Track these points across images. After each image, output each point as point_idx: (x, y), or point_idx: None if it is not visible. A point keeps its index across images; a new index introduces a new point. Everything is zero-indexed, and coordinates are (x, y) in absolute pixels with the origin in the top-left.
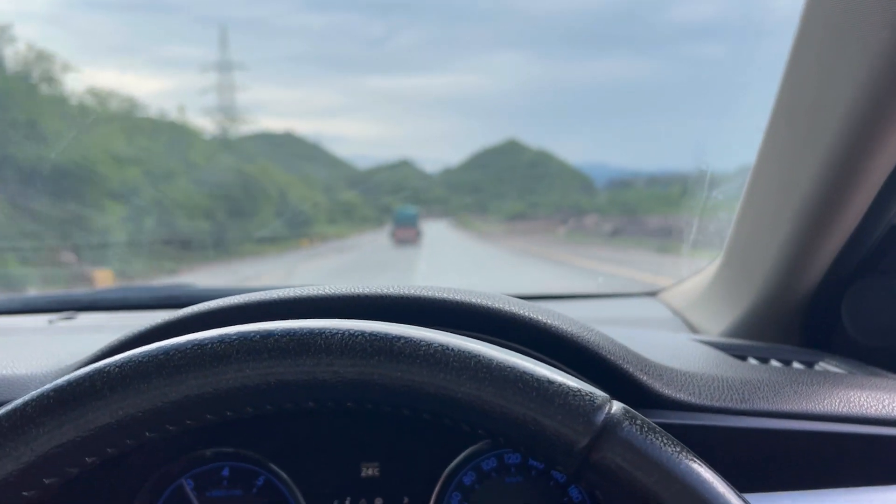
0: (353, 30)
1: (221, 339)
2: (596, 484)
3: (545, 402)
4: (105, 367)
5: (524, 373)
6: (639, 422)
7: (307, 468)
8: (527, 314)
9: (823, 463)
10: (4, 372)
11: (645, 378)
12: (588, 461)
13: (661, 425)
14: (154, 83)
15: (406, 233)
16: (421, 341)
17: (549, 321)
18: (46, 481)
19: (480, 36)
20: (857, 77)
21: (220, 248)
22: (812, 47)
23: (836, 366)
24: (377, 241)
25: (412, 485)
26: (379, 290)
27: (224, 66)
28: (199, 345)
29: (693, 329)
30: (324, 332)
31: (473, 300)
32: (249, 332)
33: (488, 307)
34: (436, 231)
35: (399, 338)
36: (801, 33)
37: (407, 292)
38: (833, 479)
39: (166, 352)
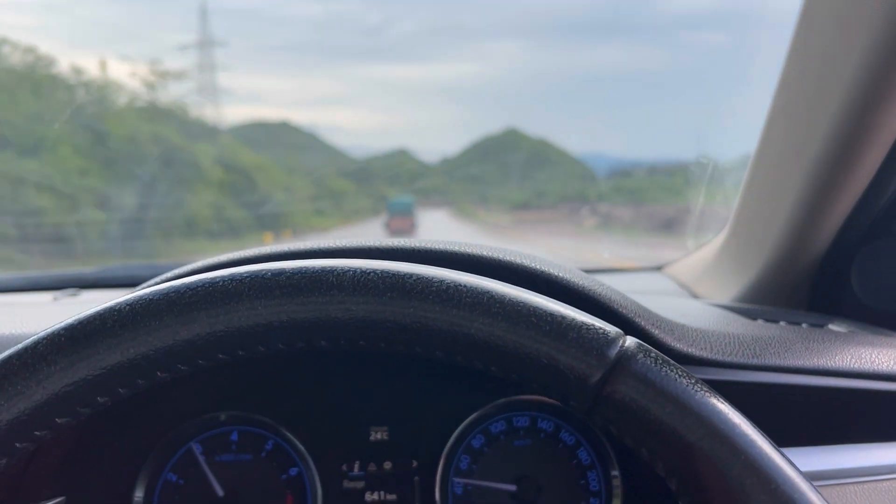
0: (350, 18)
1: (233, 278)
2: (610, 418)
3: (558, 337)
4: (116, 306)
5: (537, 308)
6: (653, 355)
7: (316, 432)
8: (539, 267)
9: (834, 418)
10: (12, 331)
11: (657, 332)
12: (602, 395)
13: None
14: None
15: (401, 223)
16: (433, 278)
17: (561, 273)
18: (59, 420)
19: (479, 24)
20: (869, 30)
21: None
22: (822, 4)
23: (845, 327)
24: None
25: (421, 448)
26: (386, 243)
27: (205, 45)
28: (211, 283)
29: (700, 298)
30: (335, 270)
31: (488, 253)
32: (261, 271)
33: (499, 259)
34: (434, 222)
35: (410, 275)
36: None
37: (425, 245)
38: (843, 435)
39: (177, 290)
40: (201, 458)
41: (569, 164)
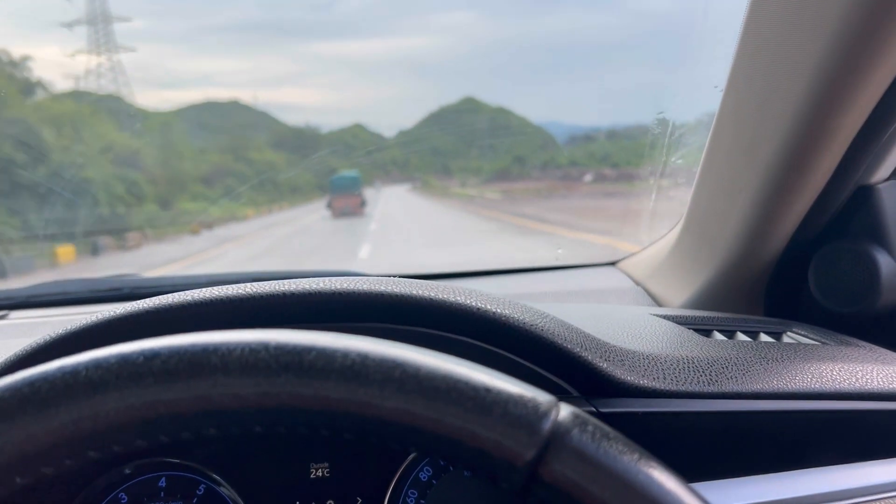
0: None
1: (98, 364)
2: (547, 501)
3: (483, 413)
4: None
5: (458, 380)
6: (590, 427)
7: (251, 473)
8: (475, 305)
9: (797, 442)
10: None
11: (605, 365)
12: (536, 476)
13: (625, 414)
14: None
15: (346, 202)
16: (336, 351)
17: (499, 310)
18: None
19: None
20: (823, 26)
21: None
22: (771, 2)
23: (805, 335)
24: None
25: (365, 484)
26: (305, 288)
27: (98, 21)
28: (72, 371)
29: (655, 300)
30: (219, 349)
31: (416, 292)
32: (130, 354)
33: (432, 299)
34: (396, 201)
35: (310, 349)
36: None
37: (343, 287)
38: (807, 459)
39: (31, 383)
40: None
41: (530, 130)
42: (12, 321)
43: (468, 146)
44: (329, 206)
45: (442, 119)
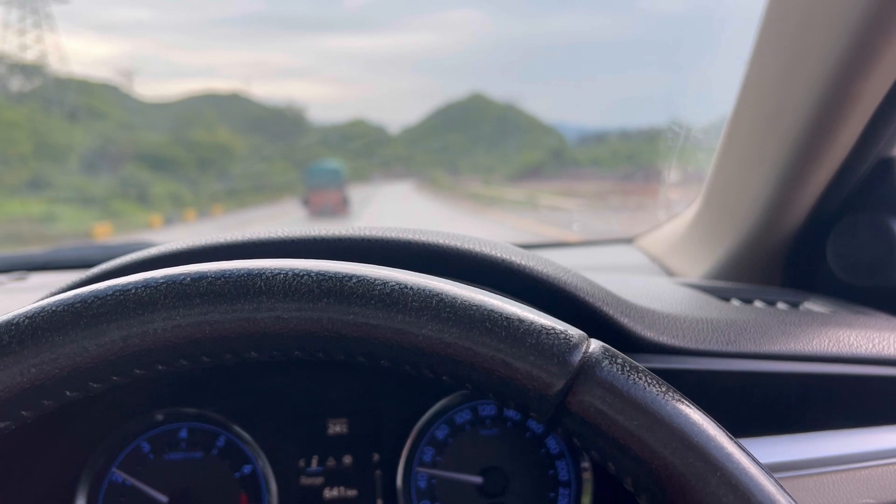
0: None
1: (146, 284)
2: (574, 431)
3: (515, 343)
4: (14, 319)
5: (492, 311)
6: (619, 360)
7: (270, 427)
8: (499, 255)
9: (812, 405)
10: None
11: (626, 321)
12: (565, 406)
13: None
14: (103, 48)
15: (325, 198)
16: (376, 280)
17: (523, 262)
18: None
19: None
20: None
21: None
22: None
23: (822, 306)
24: None
25: (382, 441)
26: (338, 233)
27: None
28: (122, 290)
29: (672, 274)
30: (264, 273)
31: (441, 241)
32: (179, 275)
33: (458, 248)
34: (396, 202)
35: (350, 276)
36: None
37: (369, 234)
38: (822, 422)
39: (84, 299)
40: (149, 457)
41: (539, 129)
42: (30, 283)
43: (475, 143)
44: (305, 202)
45: (449, 115)
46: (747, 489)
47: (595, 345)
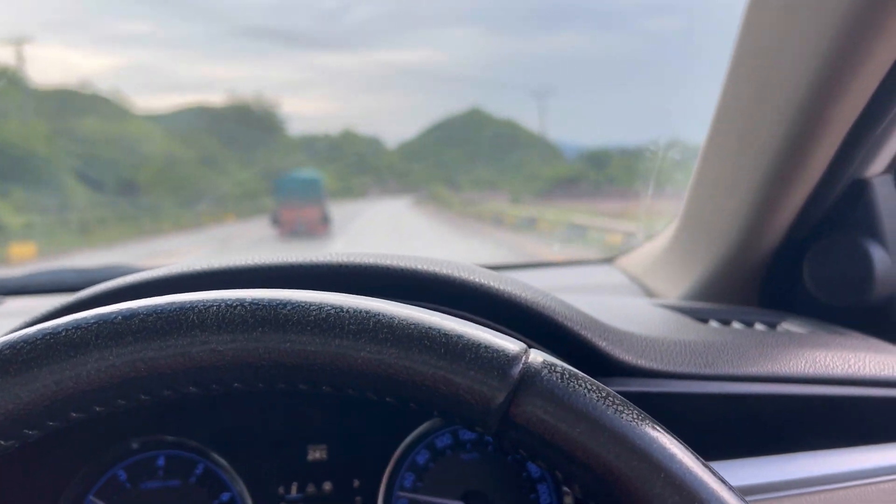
0: (306, 4)
1: (77, 325)
2: (521, 442)
3: (455, 359)
4: None
5: (430, 328)
6: (559, 370)
7: (249, 454)
8: (477, 280)
9: (790, 426)
10: None
11: (604, 344)
12: (509, 418)
13: (622, 393)
14: (101, 60)
15: (300, 214)
16: (311, 305)
17: (501, 287)
18: None
19: (438, 10)
20: (820, 19)
21: None
22: None
23: (799, 326)
24: None
25: (362, 467)
26: (292, 260)
27: None
28: (52, 333)
29: (651, 294)
30: (196, 306)
31: (418, 267)
32: (109, 314)
33: (436, 274)
34: (391, 226)
35: (285, 303)
36: None
37: (348, 260)
38: (800, 443)
39: (12, 345)
40: (126, 486)
41: (539, 145)
42: (6, 308)
43: (473, 158)
44: (275, 220)
45: (446, 130)
46: (692, 488)
47: (535, 355)
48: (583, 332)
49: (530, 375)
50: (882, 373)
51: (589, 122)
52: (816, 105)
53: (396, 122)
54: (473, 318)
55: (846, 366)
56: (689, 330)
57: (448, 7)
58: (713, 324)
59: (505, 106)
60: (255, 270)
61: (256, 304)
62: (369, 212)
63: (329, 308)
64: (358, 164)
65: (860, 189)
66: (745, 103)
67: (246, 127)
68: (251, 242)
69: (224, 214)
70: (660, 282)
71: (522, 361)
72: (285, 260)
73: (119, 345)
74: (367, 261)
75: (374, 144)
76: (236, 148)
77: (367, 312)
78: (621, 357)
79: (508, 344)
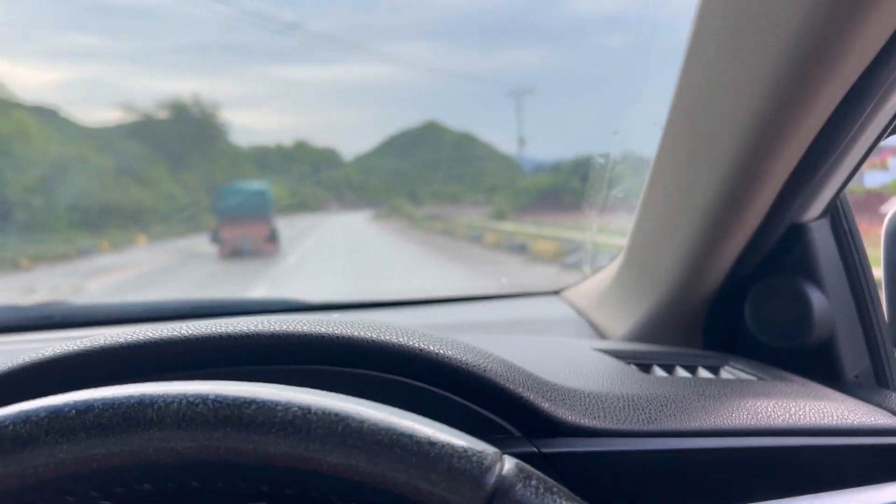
0: (260, 18)
1: (26, 418)
2: None
3: (427, 468)
4: None
5: (401, 435)
6: (534, 482)
7: None
8: (416, 345)
9: (735, 479)
10: None
11: (547, 405)
12: None
13: (568, 454)
14: (49, 74)
15: (244, 232)
16: (277, 405)
17: (441, 351)
18: None
19: (393, 25)
20: (757, 73)
21: None
22: (709, 44)
23: (742, 370)
24: None
25: None
26: (241, 330)
27: None
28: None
29: (597, 330)
30: (156, 402)
31: (353, 333)
32: (62, 407)
33: (373, 341)
34: (349, 245)
35: (250, 402)
36: (698, 29)
37: (274, 329)
38: (745, 495)
39: None
40: None
41: (497, 158)
42: None
43: (432, 170)
44: (214, 238)
45: (403, 142)
46: None
47: (509, 464)
48: (525, 395)
49: (505, 488)
50: (822, 422)
51: (544, 136)
52: (756, 154)
53: (354, 135)
54: (415, 385)
55: (787, 415)
56: (633, 381)
57: (405, 23)
58: (657, 371)
59: (462, 120)
60: (158, 344)
61: (220, 403)
62: (324, 227)
63: (296, 409)
64: (313, 177)
65: (797, 234)
66: (686, 148)
67: (180, 130)
68: (121, 284)
69: (135, 236)
70: (605, 318)
71: (496, 472)
72: (211, 331)
73: (71, 441)
74: (293, 328)
75: (330, 156)
76: (167, 155)
77: (335, 415)
78: (565, 417)
79: (483, 452)
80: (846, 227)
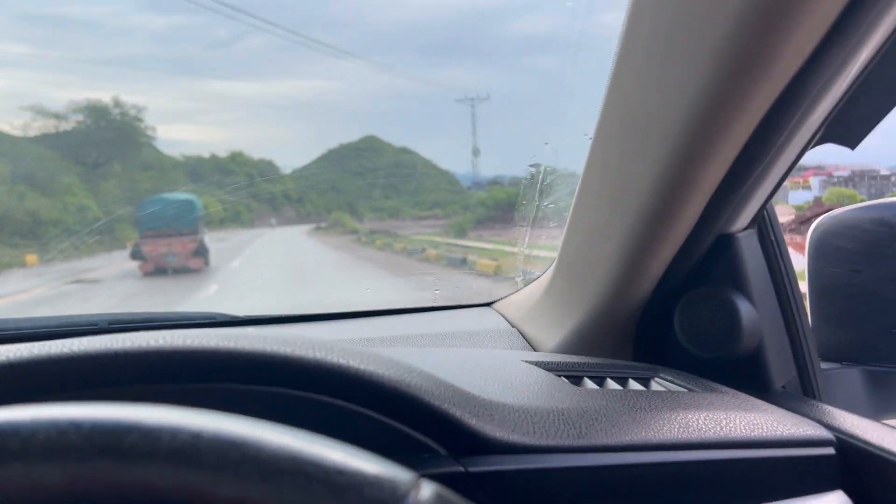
0: (195, 32)
1: None
2: None
3: (335, 499)
4: None
5: (306, 463)
6: None
7: None
8: (336, 360)
9: (667, 493)
10: None
11: (474, 422)
12: None
13: (496, 472)
14: None
15: (169, 247)
16: (162, 431)
17: (362, 366)
18: None
19: (329, 42)
20: (685, 82)
21: None
22: (637, 54)
23: (672, 381)
24: None
25: None
26: (140, 346)
27: None
28: None
29: (529, 342)
30: (20, 430)
31: (269, 348)
32: None
33: (287, 356)
34: (286, 264)
35: (130, 429)
36: (626, 39)
37: (178, 346)
38: None
39: None
40: None
41: (436, 173)
42: None
43: (371, 184)
44: (135, 254)
45: (341, 156)
46: None
47: (426, 490)
48: (452, 411)
49: None
50: (752, 434)
51: (484, 152)
52: (684, 165)
53: (291, 150)
54: (334, 403)
55: (717, 428)
56: (564, 395)
57: (341, 40)
58: (588, 383)
59: (400, 135)
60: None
61: (95, 430)
62: (258, 241)
63: (185, 436)
64: (249, 189)
65: (725, 244)
66: (615, 159)
67: (98, 135)
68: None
69: (23, 256)
70: (537, 330)
71: (412, 500)
72: (113, 346)
73: None
74: (198, 343)
75: (267, 167)
76: (80, 163)
77: (230, 442)
78: (493, 434)
79: (397, 479)
80: (773, 238)
